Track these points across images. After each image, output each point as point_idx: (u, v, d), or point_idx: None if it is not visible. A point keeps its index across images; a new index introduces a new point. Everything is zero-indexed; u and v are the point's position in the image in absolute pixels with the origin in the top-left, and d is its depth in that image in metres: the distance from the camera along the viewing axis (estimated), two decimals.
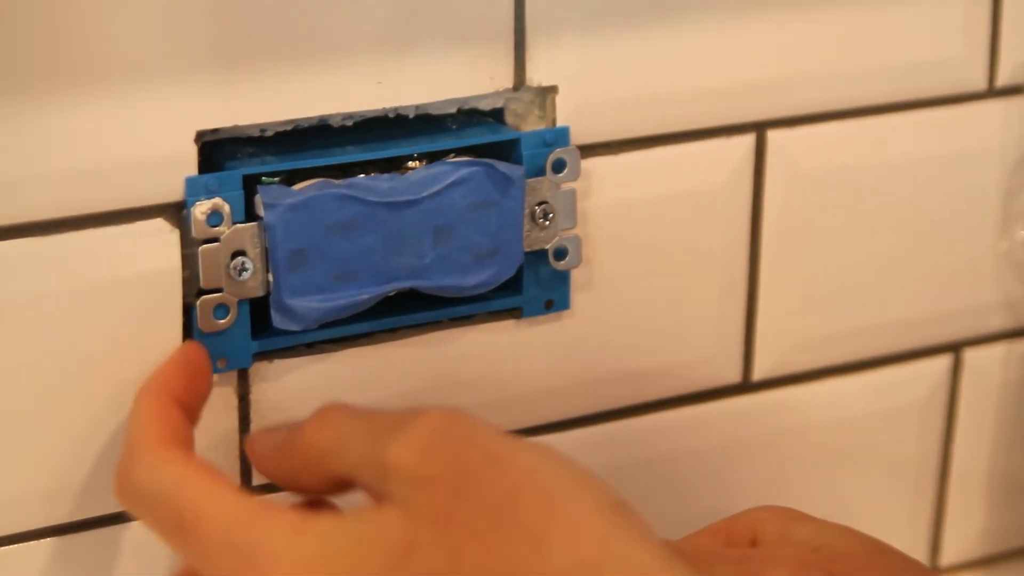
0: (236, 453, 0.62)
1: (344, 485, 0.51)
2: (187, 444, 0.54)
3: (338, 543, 0.48)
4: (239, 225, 0.59)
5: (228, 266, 0.59)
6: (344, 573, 0.47)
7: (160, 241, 0.59)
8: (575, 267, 0.66)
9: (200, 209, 0.59)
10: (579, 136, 0.65)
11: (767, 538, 0.61)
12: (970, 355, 0.77)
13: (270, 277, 0.60)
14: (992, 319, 0.77)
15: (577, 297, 0.67)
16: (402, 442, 0.48)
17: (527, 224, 0.64)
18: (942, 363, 0.77)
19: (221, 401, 0.61)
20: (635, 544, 0.47)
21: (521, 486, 0.47)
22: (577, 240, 0.65)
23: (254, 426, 0.62)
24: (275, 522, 0.48)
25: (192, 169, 0.59)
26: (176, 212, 0.59)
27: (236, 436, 0.62)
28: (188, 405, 0.57)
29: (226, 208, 0.59)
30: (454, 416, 0.49)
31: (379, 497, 0.49)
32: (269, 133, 0.61)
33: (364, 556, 0.47)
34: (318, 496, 0.53)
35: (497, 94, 0.64)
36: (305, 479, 0.52)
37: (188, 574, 0.54)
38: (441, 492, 0.47)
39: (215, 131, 0.60)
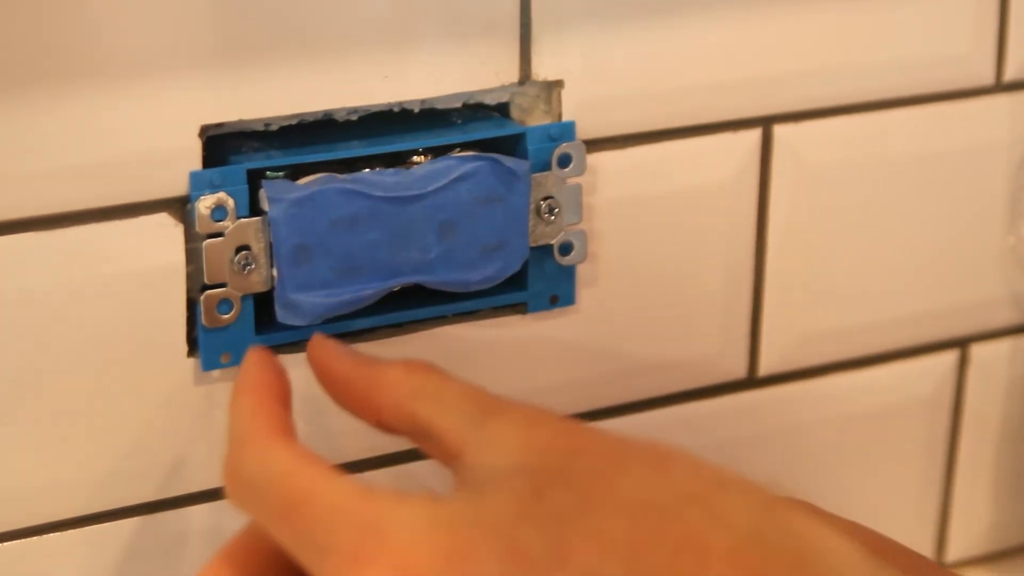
0: None
1: (415, 433, 0.52)
2: (291, 433, 0.53)
3: (460, 510, 0.48)
4: (243, 220, 0.59)
5: (232, 261, 0.59)
6: (470, 534, 0.47)
7: (164, 236, 0.59)
8: (580, 262, 0.66)
9: (204, 204, 0.58)
10: (585, 131, 0.65)
11: None
12: (976, 351, 0.77)
13: (274, 272, 0.60)
14: (999, 315, 0.77)
15: (582, 292, 0.67)
16: (506, 418, 0.50)
17: (532, 219, 0.64)
18: (948, 359, 0.77)
19: (225, 397, 0.61)
20: (741, 477, 0.49)
21: (627, 449, 0.49)
22: (582, 235, 0.65)
23: None
24: (391, 496, 0.48)
25: (196, 163, 0.59)
26: (180, 207, 0.59)
27: None
28: (282, 399, 0.56)
29: (230, 203, 0.59)
30: (546, 409, 0.52)
31: (462, 462, 0.50)
32: (273, 127, 0.61)
33: (487, 516, 0.47)
34: (379, 427, 0.54)
35: (502, 88, 0.64)
36: (379, 406, 0.53)
37: (219, 567, 0.53)
38: (551, 454, 0.48)
39: (219, 125, 0.59)
